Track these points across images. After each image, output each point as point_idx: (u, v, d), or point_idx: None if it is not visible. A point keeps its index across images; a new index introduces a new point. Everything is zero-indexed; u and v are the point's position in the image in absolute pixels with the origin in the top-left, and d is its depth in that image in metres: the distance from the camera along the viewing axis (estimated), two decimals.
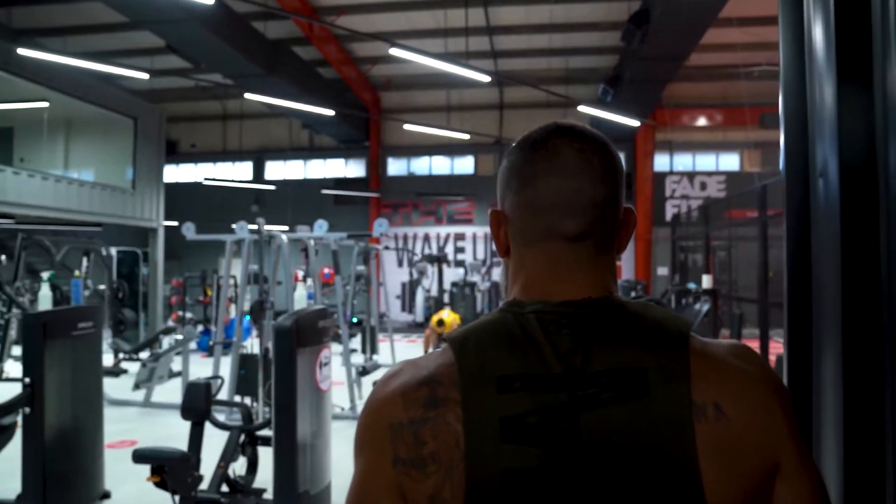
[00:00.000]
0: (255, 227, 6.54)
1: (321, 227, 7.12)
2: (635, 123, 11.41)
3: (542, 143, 0.79)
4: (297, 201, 17.91)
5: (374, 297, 10.32)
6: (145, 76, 9.31)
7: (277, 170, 19.44)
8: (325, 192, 16.73)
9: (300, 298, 5.46)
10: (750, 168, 16.82)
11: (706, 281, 8.95)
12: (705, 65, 14.99)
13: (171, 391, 7.96)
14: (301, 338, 3.76)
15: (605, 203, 0.78)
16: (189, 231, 7.64)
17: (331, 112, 11.31)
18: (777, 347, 8.22)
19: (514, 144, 0.84)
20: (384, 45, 14.18)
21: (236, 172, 19.55)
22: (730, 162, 17.29)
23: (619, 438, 0.68)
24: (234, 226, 7.24)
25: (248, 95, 10.39)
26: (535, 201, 0.78)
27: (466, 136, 13.31)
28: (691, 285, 10.00)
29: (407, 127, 12.07)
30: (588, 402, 0.69)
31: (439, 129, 12.65)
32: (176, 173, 19.79)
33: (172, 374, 8.42)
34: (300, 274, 5.89)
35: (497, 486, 0.67)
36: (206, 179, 13.78)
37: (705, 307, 7.62)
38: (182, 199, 18.49)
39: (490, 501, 0.67)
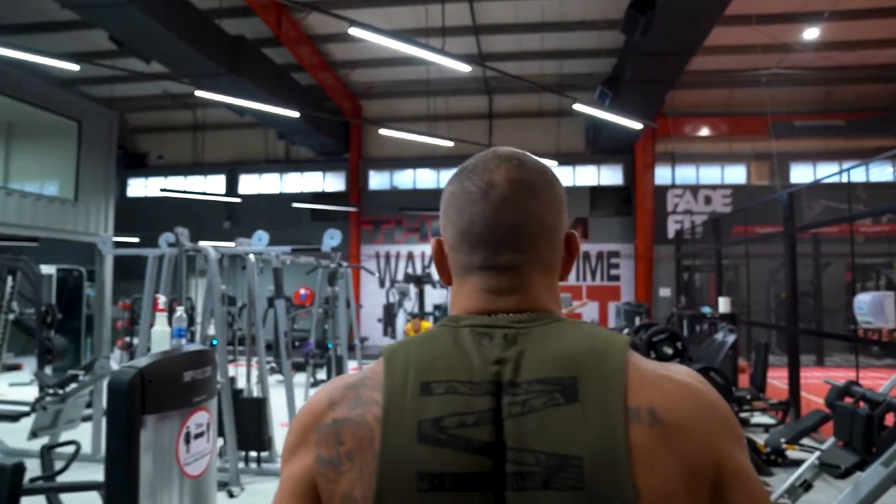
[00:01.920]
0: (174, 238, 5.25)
1: (261, 239, 5.84)
2: (637, 126, 10.20)
3: (478, 174, 0.79)
4: (273, 216, 16.65)
5: (343, 321, 9.01)
6: (76, 67, 8.12)
7: (252, 183, 18.17)
8: (296, 205, 15.42)
9: (160, 337, 4.04)
10: (758, 181, 15.61)
11: (723, 304, 7.66)
12: (710, 69, 13.88)
13: (84, 438, 6.59)
14: (150, 400, 2.44)
15: (543, 233, 0.78)
16: (105, 245, 6.36)
17: (296, 114, 10.07)
18: (810, 377, 6.80)
19: (454, 173, 0.83)
20: (363, 47, 13.13)
21: (208, 186, 18.27)
22: (736, 174, 16.07)
23: (548, 444, 0.65)
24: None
25: (199, 93, 9.15)
26: (471, 234, 0.78)
27: (451, 144, 12.08)
28: (706, 309, 8.64)
29: (385, 132, 10.85)
30: (516, 409, 0.67)
31: (421, 135, 11.43)
32: (145, 187, 18.56)
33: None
34: (161, 300, 4.54)
35: (408, 489, 0.65)
36: (162, 191, 12.48)
37: (730, 338, 6.20)
38: (149, 215, 17.22)
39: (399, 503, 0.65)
